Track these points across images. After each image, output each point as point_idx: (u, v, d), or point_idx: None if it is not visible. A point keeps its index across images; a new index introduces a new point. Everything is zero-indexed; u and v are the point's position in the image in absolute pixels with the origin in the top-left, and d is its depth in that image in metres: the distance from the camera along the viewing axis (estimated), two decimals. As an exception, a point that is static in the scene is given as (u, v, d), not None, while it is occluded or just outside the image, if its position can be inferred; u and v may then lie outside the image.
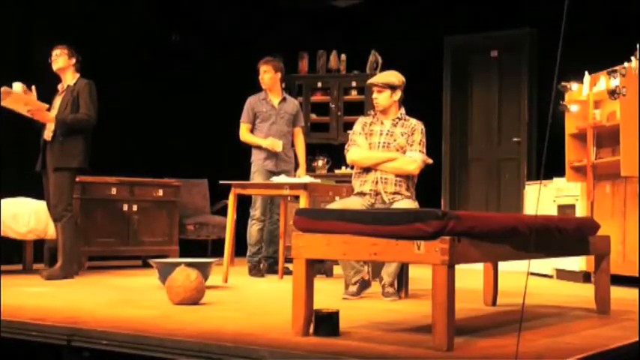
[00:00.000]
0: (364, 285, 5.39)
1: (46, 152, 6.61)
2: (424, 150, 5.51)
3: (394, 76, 5.52)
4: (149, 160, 8.50)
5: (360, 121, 5.64)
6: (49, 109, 6.62)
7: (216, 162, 8.82)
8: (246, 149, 9.75)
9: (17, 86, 6.43)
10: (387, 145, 5.46)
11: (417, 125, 5.52)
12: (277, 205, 7.23)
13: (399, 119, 5.53)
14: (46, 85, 6.81)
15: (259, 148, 7.17)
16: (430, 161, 5.66)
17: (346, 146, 5.60)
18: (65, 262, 6.43)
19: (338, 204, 5.39)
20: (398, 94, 5.52)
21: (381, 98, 5.49)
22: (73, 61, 6.67)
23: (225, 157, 9.03)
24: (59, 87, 6.75)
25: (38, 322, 3.88)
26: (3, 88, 6.33)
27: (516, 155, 9.35)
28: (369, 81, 5.62)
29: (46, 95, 6.82)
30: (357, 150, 5.49)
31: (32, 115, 6.51)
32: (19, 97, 6.43)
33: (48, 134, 6.56)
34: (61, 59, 6.66)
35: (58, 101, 6.67)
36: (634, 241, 6.05)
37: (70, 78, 6.68)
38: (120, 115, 8.15)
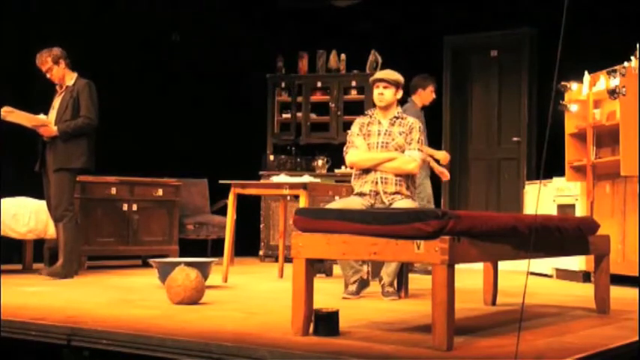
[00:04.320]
0: (363, 284, 5.40)
1: (46, 153, 6.62)
2: (423, 148, 5.52)
3: (398, 75, 5.56)
4: (149, 160, 8.49)
5: (358, 122, 5.64)
6: (48, 111, 6.64)
7: (216, 162, 8.82)
8: (247, 149, 9.80)
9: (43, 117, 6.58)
10: (386, 145, 5.46)
11: (414, 123, 5.53)
12: None
13: (397, 118, 5.55)
14: (45, 85, 6.81)
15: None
16: (429, 160, 5.67)
17: (345, 148, 5.60)
18: (66, 261, 6.44)
19: (338, 203, 5.39)
20: (400, 93, 5.59)
21: (388, 94, 5.52)
22: (63, 64, 6.63)
23: (225, 157, 9.04)
24: (57, 87, 6.74)
25: (38, 321, 3.89)
26: (4, 108, 6.37)
27: (516, 155, 9.34)
28: (377, 76, 5.58)
29: (46, 96, 6.83)
30: (356, 152, 5.49)
31: (37, 130, 6.54)
32: (22, 114, 6.47)
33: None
34: (54, 71, 6.59)
35: (57, 102, 6.67)
36: (634, 241, 6.05)
37: (67, 79, 6.67)
38: (120, 114, 8.15)
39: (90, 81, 6.65)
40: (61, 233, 6.49)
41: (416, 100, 7.54)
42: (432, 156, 7.42)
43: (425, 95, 7.57)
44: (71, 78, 6.67)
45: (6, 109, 6.42)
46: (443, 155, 7.47)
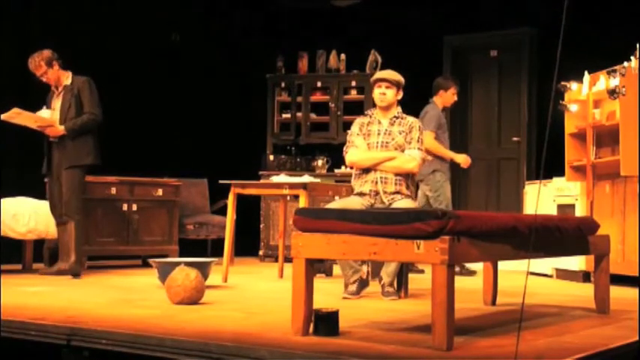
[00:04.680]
0: (363, 284, 5.40)
1: (53, 153, 6.62)
2: (422, 147, 5.53)
3: (400, 76, 5.58)
4: (149, 160, 8.49)
5: (357, 122, 5.65)
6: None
7: (216, 162, 8.82)
8: (247, 149, 9.79)
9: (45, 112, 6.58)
10: (386, 145, 5.47)
11: (414, 123, 5.54)
12: None
13: (397, 117, 5.56)
14: (45, 85, 6.79)
15: (441, 156, 7.38)
16: (429, 158, 5.67)
17: (344, 148, 5.61)
18: (78, 257, 6.50)
19: (338, 203, 5.39)
20: (400, 94, 5.60)
21: (389, 94, 5.53)
22: (56, 65, 6.62)
23: (225, 157, 9.04)
24: (53, 89, 6.73)
25: (38, 321, 3.89)
26: (12, 110, 6.38)
27: (516, 155, 9.35)
28: (379, 76, 5.59)
29: (46, 96, 6.82)
30: (356, 151, 5.50)
31: (42, 130, 6.54)
32: (29, 115, 6.47)
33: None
34: (50, 73, 6.58)
35: (57, 102, 6.65)
36: (634, 241, 6.05)
37: (64, 79, 6.66)
38: (120, 114, 8.15)
39: (89, 77, 6.65)
40: (72, 231, 6.51)
41: (437, 102, 7.55)
42: (452, 160, 7.43)
43: (446, 97, 7.58)
44: (67, 77, 6.67)
45: (14, 110, 6.42)
46: (463, 159, 7.47)
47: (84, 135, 6.56)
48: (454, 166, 7.67)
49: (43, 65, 6.56)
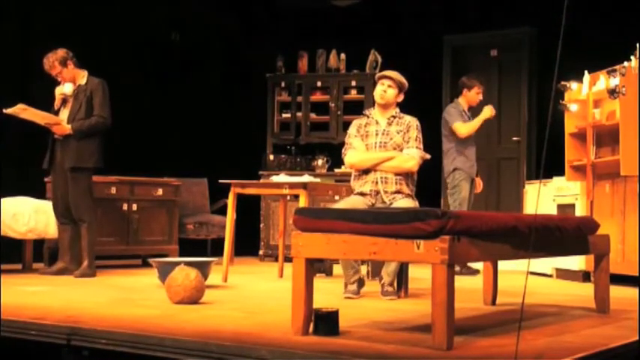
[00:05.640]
0: (361, 283, 5.41)
1: (56, 150, 6.62)
2: (421, 146, 5.53)
3: (405, 80, 5.60)
4: (149, 159, 8.50)
5: (355, 123, 5.67)
6: (59, 110, 6.64)
7: (216, 161, 8.82)
8: (247, 148, 9.79)
9: (69, 87, 6.56)
10: (384, 145, 5.48)
11: (411, 122, 5.55)
12: None
13: (394, 117, 5.57)
14: (48, 84, 6.80)
15: (465, 155, 7.37)
16: (428, 157, 5.68)
17: (343, 150, 5.61)
18: (90, 262, 6.54)
19: (342, 203, 5.39)
20: (401, 97, 5.61)
21: (390, 93, 5.55)
22: (71, 65, 6.62)
23: (225, 157, 9.04)
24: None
25: (38, 321, 3.88)
26: (18, 105, 6.37)
27: (516, 154, 9.34)
28: (385, 73, 5.62)
29: (50, 94, 6.82)
30: (355, 153, 5.51)
31: (49, 127, 6.54)
32: (35, 112, 6.47)
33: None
34: (64, 73, 6.59)
35: (69, 101, 6.64)
36: (633, 241, 6.05)
37: (79, 78, 6.65)
38: (120, 114, 8.14)
39: (103, 80, 6.66)
40: (85, 234, 6.55)
41: (461, 101, 7.57)
42: (484, 121, 7.45)
43: (470, 96, 7.58)
44: (82, 77, 6.67)
45: (20, 106, 6.42)
46: (488, 112, 7.46)
47: (90, 137, 6.56)
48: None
49: (58, 65, 6.56)
